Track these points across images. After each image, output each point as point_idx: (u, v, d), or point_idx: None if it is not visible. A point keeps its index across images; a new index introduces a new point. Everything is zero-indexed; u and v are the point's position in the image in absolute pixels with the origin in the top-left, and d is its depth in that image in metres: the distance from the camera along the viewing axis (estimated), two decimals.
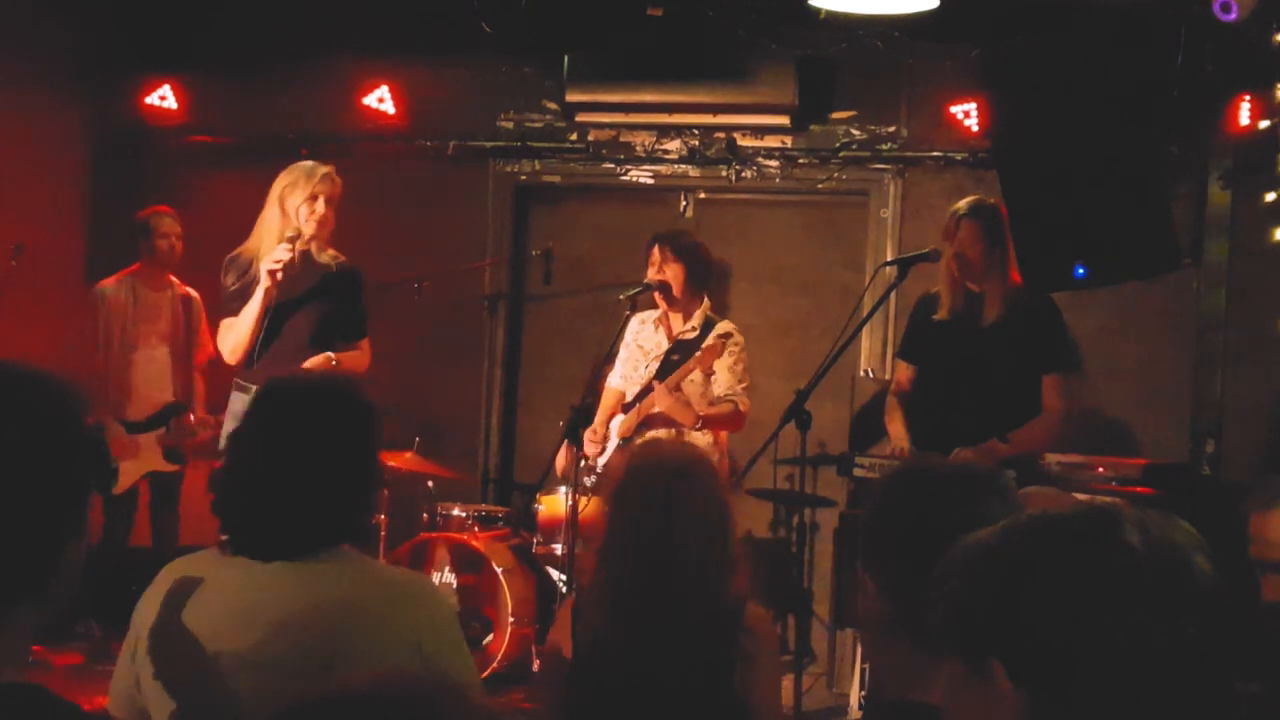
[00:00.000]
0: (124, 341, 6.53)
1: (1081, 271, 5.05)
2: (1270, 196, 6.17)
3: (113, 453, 6.05)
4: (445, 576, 6.10)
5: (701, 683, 2.89)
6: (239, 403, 5.22)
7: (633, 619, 2.92)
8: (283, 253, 5.03)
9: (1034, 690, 1.31)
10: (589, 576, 3.06)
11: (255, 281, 5.11)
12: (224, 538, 2.45)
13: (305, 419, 2.42)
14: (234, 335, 5.17)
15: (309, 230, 5.15)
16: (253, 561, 2.39)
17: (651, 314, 5.80)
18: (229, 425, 5.22)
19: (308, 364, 5.06)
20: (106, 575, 6.48)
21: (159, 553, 6.60)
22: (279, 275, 5.04)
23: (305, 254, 5.18)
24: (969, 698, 1.37)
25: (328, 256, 5.26)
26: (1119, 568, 1.31)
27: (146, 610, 2.46)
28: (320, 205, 5.16)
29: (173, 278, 6.69)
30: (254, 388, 5.12)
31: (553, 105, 7.40)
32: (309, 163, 5.28)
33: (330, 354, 5.15)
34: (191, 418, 6.54)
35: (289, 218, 5.14)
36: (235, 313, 5.17)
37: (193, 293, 6.67)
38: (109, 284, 6.61)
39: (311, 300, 5.20)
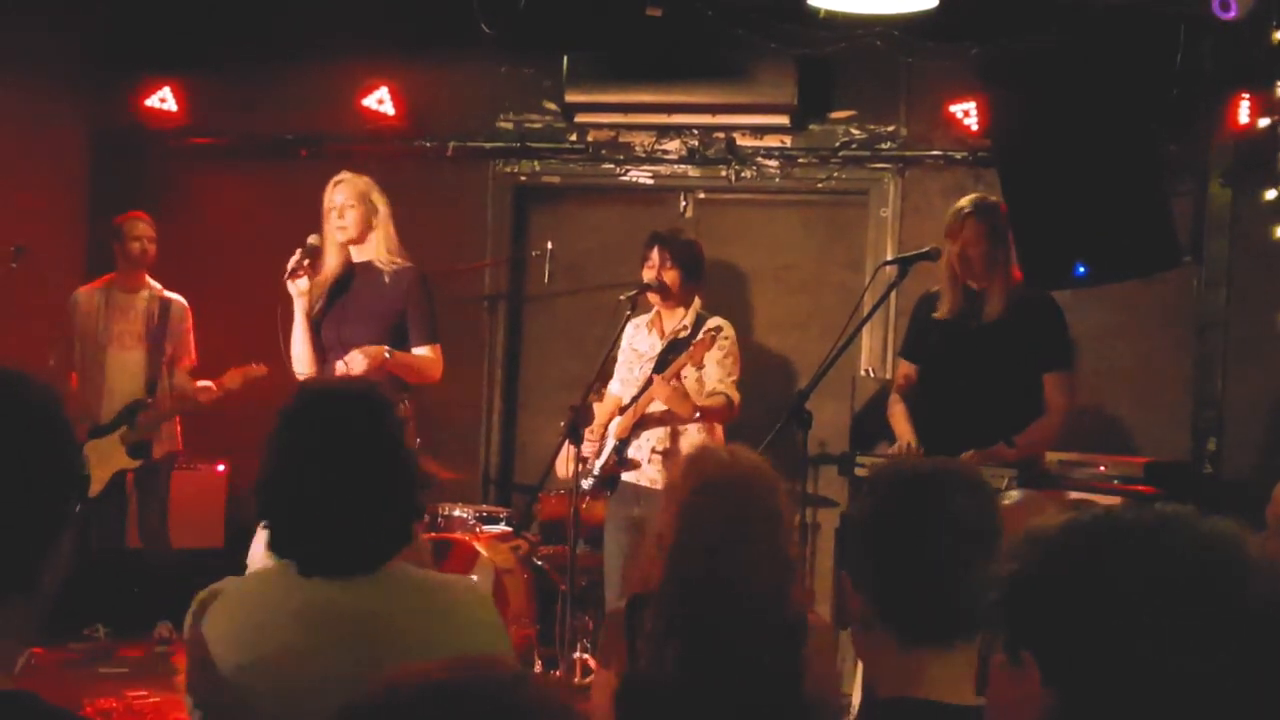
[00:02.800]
0: (96, 343, 6.55)
1: (1082, 270, 5.05)
2: (1270, 194, 6.17)
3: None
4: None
5: (776, 688, 2.89)
6: None
7: (706, 627, 2.90)
8: (300, 284, 5.11)
9: (1065, 691, 1.29)
10: (647, 584, 3.04)
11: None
12: (278, 557, 2.38)
13: (345, 430, 2.34)
14: (293, 352, 5.18)
15: (341, 239, 5.16)
16: (309, 578, 2.32)
17: (644, 318, 5.80)
18: None
19: (359, 350, 4.98)
20: (110, 579, 6.52)
21: (152, 555, 6.61)
22: (299, 288, 5.10)
23: (366, 265, 5.18)
24: (1005, 686, 1.36)
25: (384, 260, 5.19)
26: (1175, 583, 1.26)
27: (192, 632, 2.36)
28: (341, 216, 5.16)
29: (150, 280, 6.68)
30: None
31: (552, 106, 7.40)
32: (336, 178, 5.26)
33: (385, 347, 5.05)
34: (148, 414, 6.51)
35: (328, 235, 5.19)
36: (302, 325, 5.21)
37: (175, 297, 6.67)
38: (84, 290, 6.65)
39: (371, 306, 5.14)
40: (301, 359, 5.18)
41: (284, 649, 2.26)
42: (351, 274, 5.19)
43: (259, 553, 5.14)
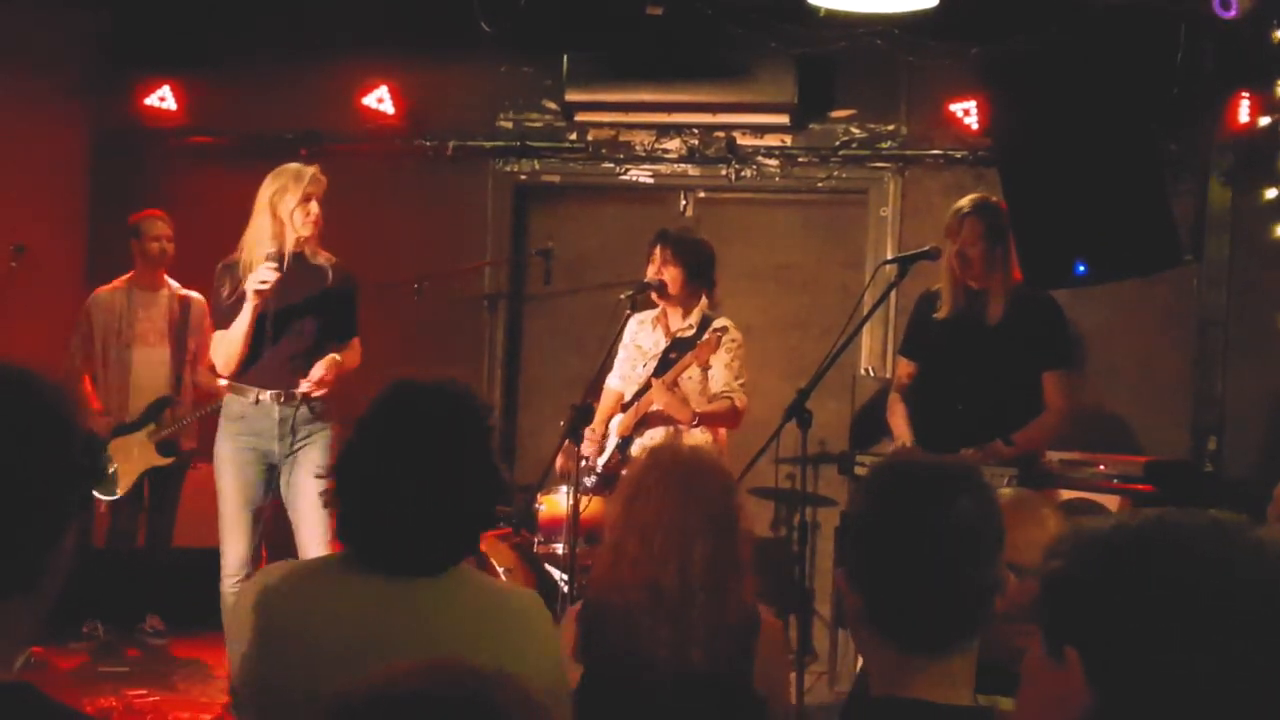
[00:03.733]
0: (120, 342, 6.55)
1: (1082, 269, 5.05)
2: (1270, 193, 6.17)
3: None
4: None
5: (725, 681, 2.89)
6: (236, 405, 5.25)
7: (655, 619, 2.91)
8: (268, 274, 5.02)
9: (1108, 690, 1.28)
10: (598, 579, 3.05)
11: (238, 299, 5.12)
12: (342, 549, 2.34)
13: (436, 427, 2.30)
14: (225, 348, 5.18)
15: (306, 232, 5.15)
16: (374, 575, 2.26)
17: (650, 314, 5.79)
18: (225, 427, 5.25)
19: (320, 365, 5.12)
20: (110, 577, 6.52)
21: (152, 553, 6.62)
22: (266, 294, 5.05)
23: (299, 256, 5.19)
24: (1044, 682, 1.35)
25: (323, 259, 5.28)
26: (1225, 590, 1.26)
27: (241, 627, 2.30)
28: (314, 207, 5.16)
29: (169, 279, 6.69)
30: (252, 390, 5.18)
31: (552, 105, 7.40)
32: (294, 165, 5.26)
33: (336, 355, 5.20)
34: (180, 410, 6.56)
35: (282, 223, 5.13)
36: (228, 325, 5.17)
37: (194, 295, 6.67)
38: (104, 291, 6.64)
39: (311, 304, 5.22)
40: (234, 361, 5.16)
41: (339, 643, 2.20)
42: (298, 266, 5.17)
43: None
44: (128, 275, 6.68)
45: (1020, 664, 1.42)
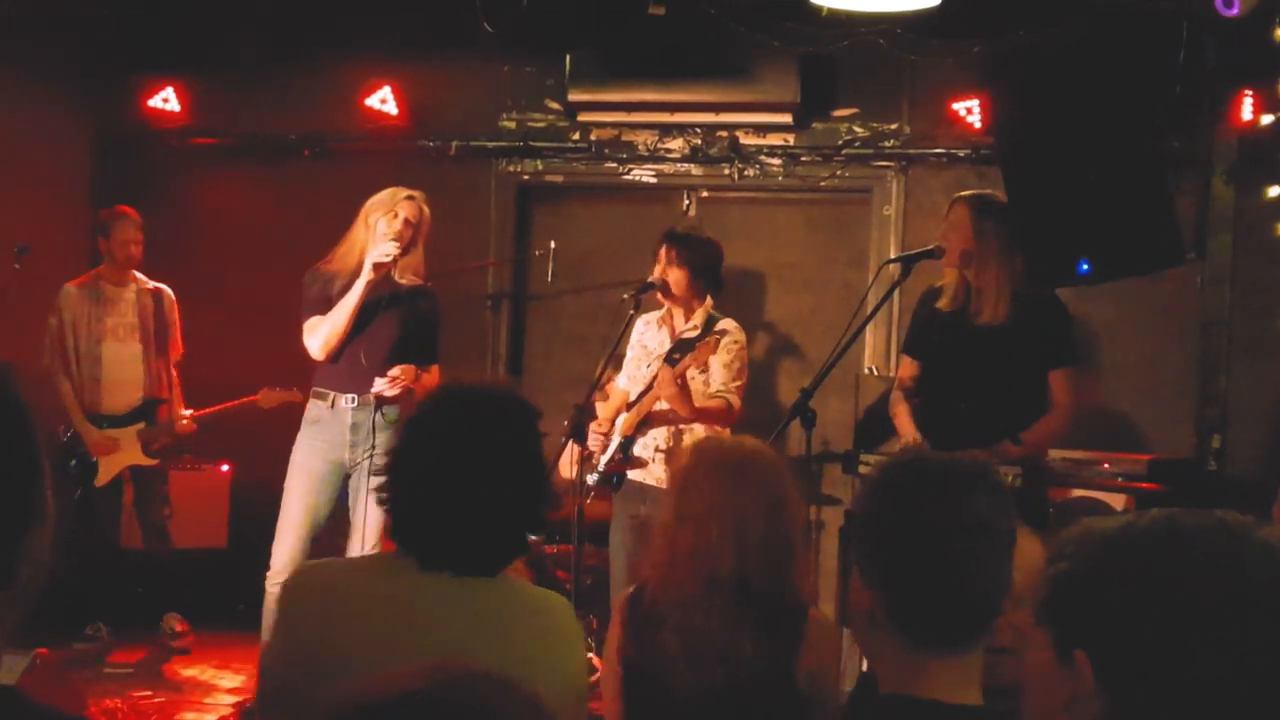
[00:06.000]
0: (90, 337, 6.55)
1: (1085, 267, 5.04)
2: (1274, 191, 6.17)
3: (92, 453, 6.11)
4: None
5: (766, 674, 2.89)
6: (314, 409, 5.35)
7: (699, 608, 2.92)
8: (390, 247, 5.20)
9: (1117, 692, 1.27)
10: (653, 576, 3.05)
11: (338, 290, 5.24)
12: (396, 546, 2.35)
13: (498, 429, 2.33)
14: (326, 328, 5.26)
15: (392, 251, 5.25)
16: (419, 574, 2.27)
17: (656, 314, 5.79)
18: (304, 430, 5.34)
19: (401, 369, 5.22)
20: (111, 577, 6.53)
21: (152, 553, 6.62)
22: (386, 268, 5.21)
23: (390, 277, 5.32)
24: (1051, 683, 1.34)
25: (408, 279, 5.38)
26: (1235, 590, 1.25)
27: (293, 617, 2.31)
28: (399, 223, 5.28)
29: (137, 274, 6.70)
30: (330, 393, 5.25)
31: (555, 105, 7.40)
32: (396, 188, 5.39)
33: (415, 367, 5.29)
34: (165, 412, 6.58)
35: (372, 232, 5.27)
36: (322, 313, 5.27)
37: (163, 287, 6.71)
38: (72, 285, 6.62)
39: (389, 319, 5.32)
40: (334, 341, 5.26)
41: (363, 640, 2.21)
42: (379, 284, 5.27)
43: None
44: (96, 270, 6.67)
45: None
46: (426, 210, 5.38)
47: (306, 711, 2.13)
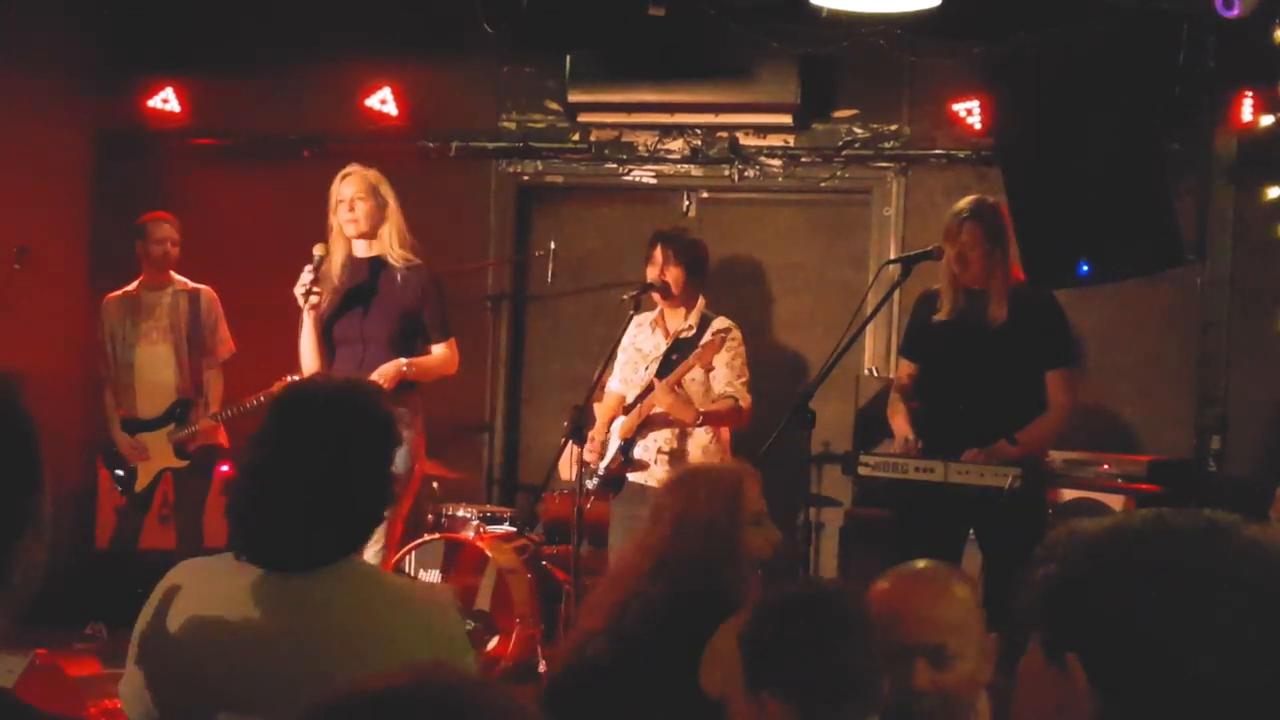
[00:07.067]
0: (125, 343, 6.56)
1: (1085, 268, 5.05)
2: (1273, 192, 6.17)
3: (128, 459, 6.08)
4: (449, 578, 6.10)
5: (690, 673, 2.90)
6: None
7: (618, 609, 2.95)
8: (305, 276, 5.13)
9: (1111, 694, 1.27)
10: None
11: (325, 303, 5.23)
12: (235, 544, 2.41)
13: (320, 428, 2.34)
14: (302, 359, 5.25)
15: (351, 232, 5.22)
16: (260, 569, 2.33)
17: (648, 316, 5.76)
18: None
19: (377, 372, 5.10)
20: (115, 577, 6.52)
21: (180, 555, 6.59)
22: (311, 299, 5.13)
23: (374, 260, 5.26)
24: (1042, 687, 1.33)
25: (397, 256, 5.27)
26: (1225, 588, 1.25)
27: (144, 612, 2.42)
28: (351, 209, 5.21)
29: (175, 275, 6.69)
30: None
31: (555, 105, 7.40)
32: (345, 168, 5.33)
33: (402, 360, 5.19)
34: (196, 414, 6.55)
35: (337, 234, 5.24)
36: (314, 326, 5.25)
37: (203, 288, 6.67)
38: (113, 296, 6.64)
39: (386, 303, 5.24)
40: (308, 361, 5.25)
41: (233, 636, 2.28)
42: (364, 269, 5.23)
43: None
44: (139, 279, 6.68)
45: None
46: (371, 175, 5.26)
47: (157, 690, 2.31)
